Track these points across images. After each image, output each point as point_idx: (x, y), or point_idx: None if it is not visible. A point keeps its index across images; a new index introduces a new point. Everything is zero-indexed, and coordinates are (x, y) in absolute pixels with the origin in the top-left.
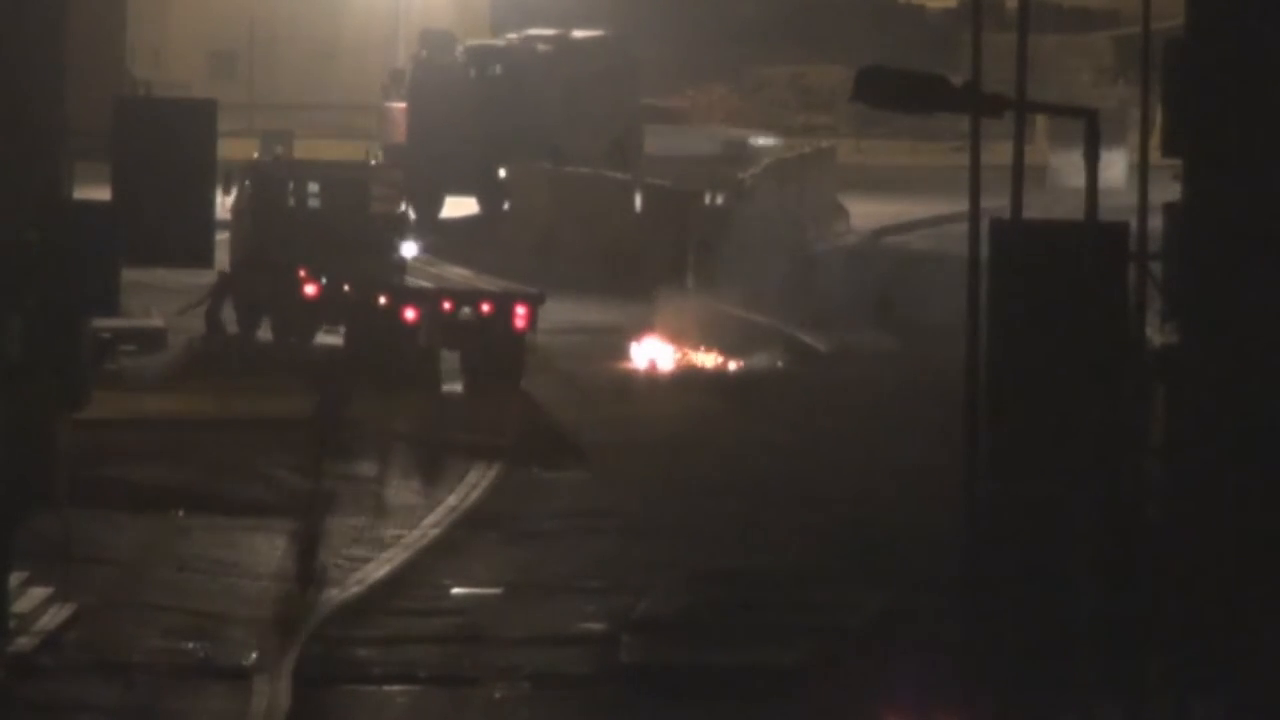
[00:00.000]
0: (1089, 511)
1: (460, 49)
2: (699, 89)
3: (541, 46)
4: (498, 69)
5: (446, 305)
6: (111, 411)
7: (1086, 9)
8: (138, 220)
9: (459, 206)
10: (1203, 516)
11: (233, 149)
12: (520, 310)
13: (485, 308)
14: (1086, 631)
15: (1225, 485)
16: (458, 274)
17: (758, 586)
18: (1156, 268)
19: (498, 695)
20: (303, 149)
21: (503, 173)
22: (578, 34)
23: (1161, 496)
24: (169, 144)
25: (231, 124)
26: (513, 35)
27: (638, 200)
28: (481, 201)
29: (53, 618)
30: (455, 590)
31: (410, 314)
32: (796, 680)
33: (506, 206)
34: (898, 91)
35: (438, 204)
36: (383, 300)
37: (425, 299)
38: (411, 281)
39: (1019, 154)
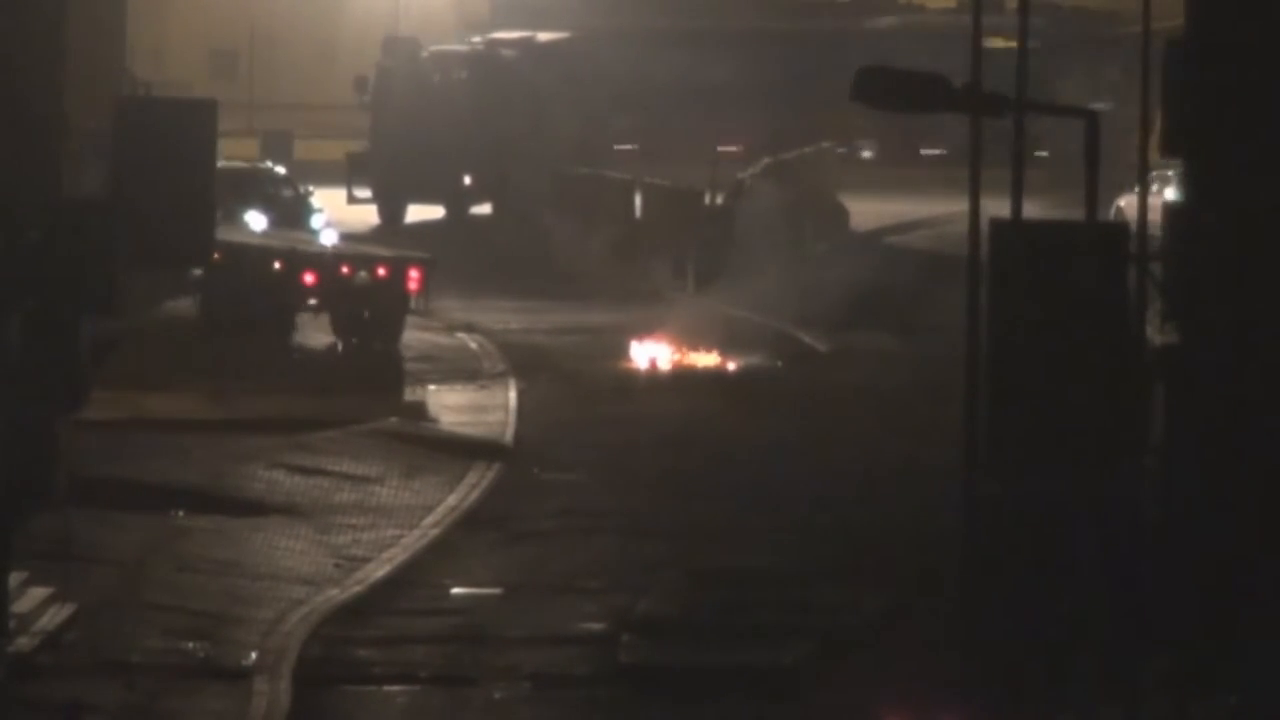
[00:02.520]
0: (1089, 511)
1: (425, 54)
2: None
3: (506, 51)
4: (462, 74)
5: (345, 269)
6: (111, 411)
7: (1086, 9)
8: (138, 220)
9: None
10: (1203, 516)
11: (233, 149)
12: (413, 274)
13: (381, 271)
14: (1086, 631)
15: (1225, 485)
16: (340, 244)
17: (758, 586)
18: (1157, 268)
19: (498, 695)
20: (303, 149)
21: (468, 179)
22: (543, 37)
23: (1161, 496)
24: (169, 144)
25: (231, 124)
26: (477, 39)
27: (638, 200)
28: (447, 208)
29: (53, 618)
30: (455, 590)
31: (309, 278)
32: (796, 680)
33: (496, 209)
34: (898, 91)
35: (402, 210)
36: (277, 265)
37: (323, 263)
38: (308, 247)
39: (1019, 154)
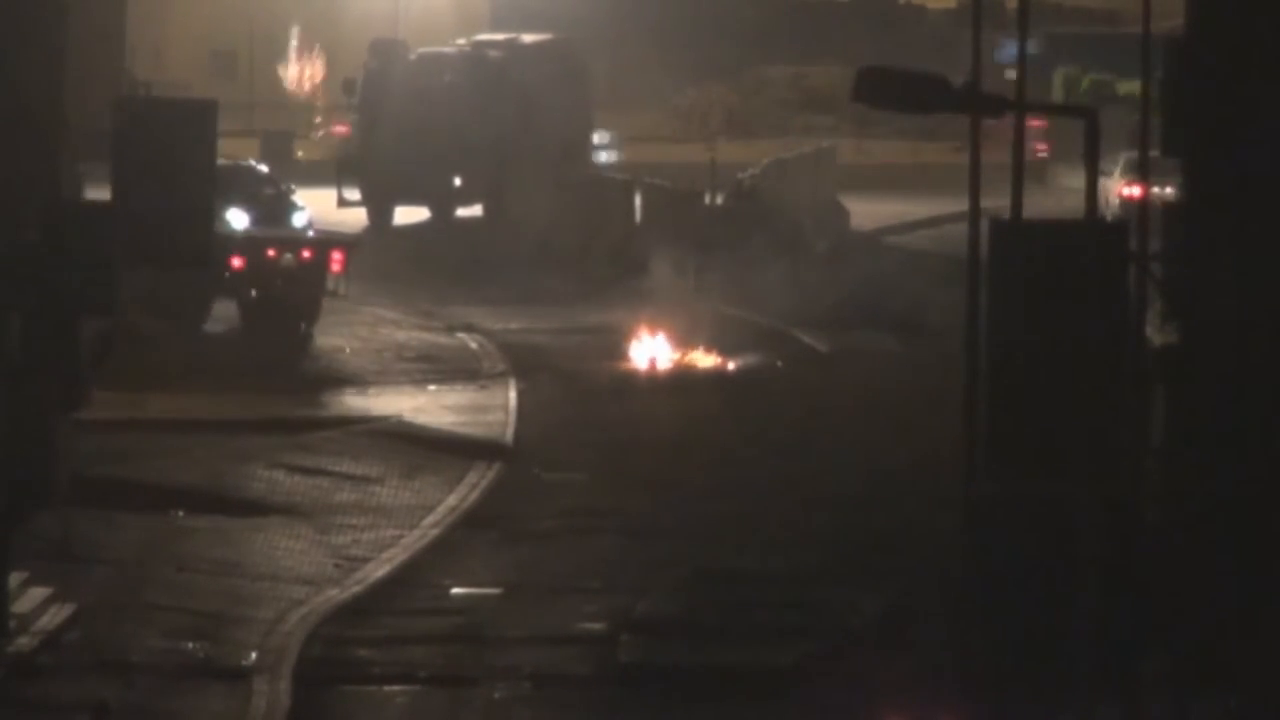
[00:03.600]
0: (1089, 511)
1: (413, 56)
2: (699, 89)
3: (492, 53)
4: (450, 76)
5: (271, 253)
6: (111, 411)
7: (1086, 9)
8: (138, 220)
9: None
10: (1203, 516)
11: (233, 149)
12: (337, 255)
13: (305, 254)
14: (1086, 631)
15: (1225, 485)
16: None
17: (758, 586)
18: (1157, 268)
19: (498, 695)
20: (302, 148)
21: (458, 181)
22: (528, 38)
23: (1161, 496)
24: (169, 144)
25: (231, 124)
26: (462, 41)
27: (638, 201)
28: (433, 210)
29: (53, 618)
30: (455, 590)
31: (237, 262)
32: (796, 680)
33: (488, 210)
34: (898, 91)
35: (390, 212)
36: None
37: (251, 247)
38: (235, 232)
39: (1019, 154)
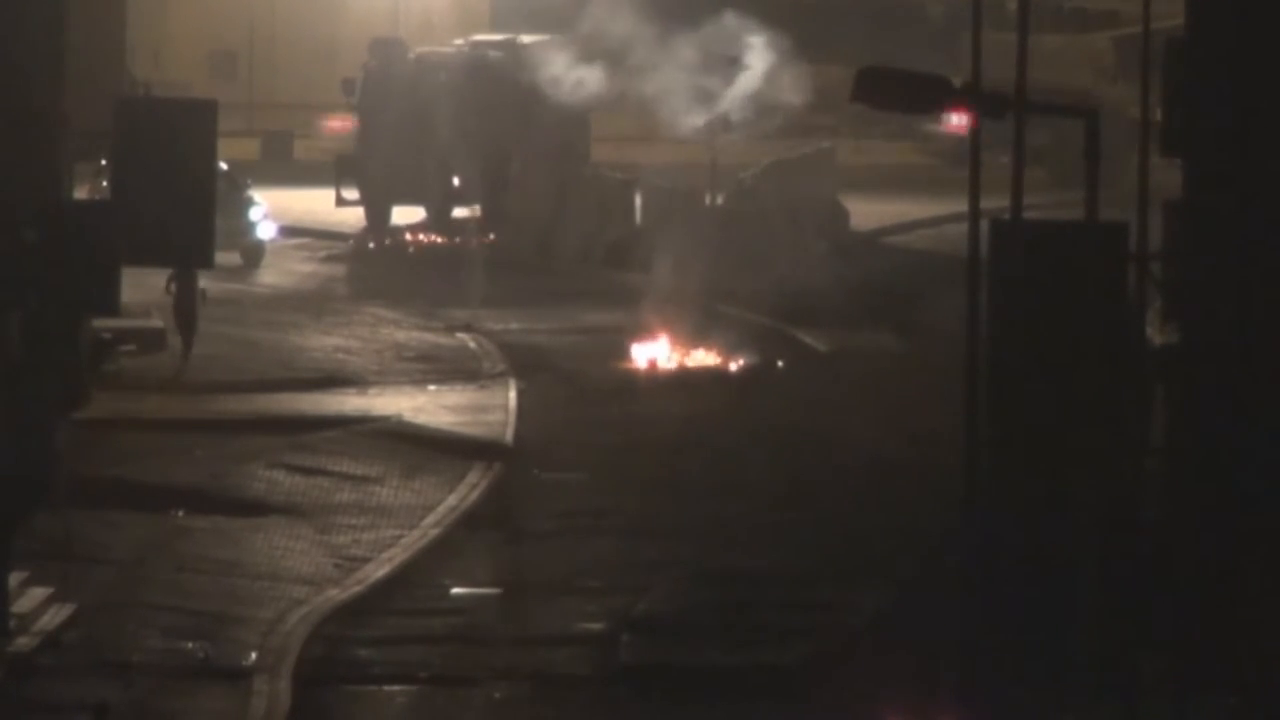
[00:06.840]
0: (1089, 511)
1: (411, 56)
2: None
3: (490, 53)
4: (448, 76)
5: None
6: (111, 411)
7: (1086, 9)
8: (138, 220)
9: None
10: (1203, 516)
11: (233, 149)
12: None
13: None
14: (1086, 632)
15: (1225, 485)
16: None
17: (758, 586)
18: (1157, 268)
19: (498, 695)
20: (303, 149)
21: (456, 181)
22: (525, 39)
23: (1161, 496)
24: (169, 144)
25: (231, 124)
26: (460, 41)
27: (638, 200)
28: (429, 210)
29: (53, 618)
30: (455, 590)
31: None
32: (796, 680)
33: (486, 210)
34: (898, 91)
35: (388, 212)
36: None
37: None
38: None
39: (1019, 154)
